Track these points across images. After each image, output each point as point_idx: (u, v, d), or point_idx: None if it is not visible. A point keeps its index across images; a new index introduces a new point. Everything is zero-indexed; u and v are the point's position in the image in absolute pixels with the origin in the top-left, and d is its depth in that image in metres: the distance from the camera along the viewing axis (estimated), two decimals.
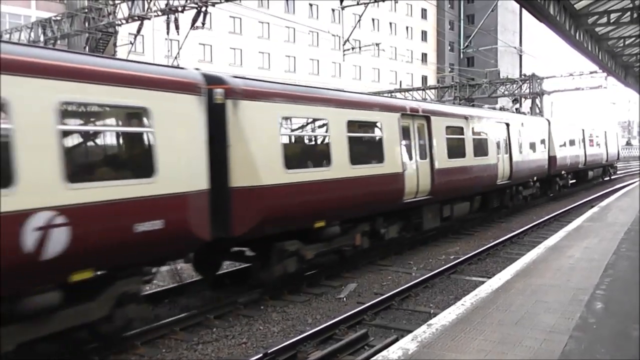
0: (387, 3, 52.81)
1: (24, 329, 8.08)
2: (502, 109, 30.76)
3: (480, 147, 21.33)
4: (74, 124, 8.51)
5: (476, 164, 20.77)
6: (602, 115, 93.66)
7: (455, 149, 19.30)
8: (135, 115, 9.28)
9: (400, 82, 71.93)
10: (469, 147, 20.36)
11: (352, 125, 14.18)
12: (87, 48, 33.27)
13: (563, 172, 33.51)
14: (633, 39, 24.70)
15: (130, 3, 31.42)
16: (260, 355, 9.04)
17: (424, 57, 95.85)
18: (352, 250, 15.28)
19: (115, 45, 35.26)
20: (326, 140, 13.39)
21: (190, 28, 29.42)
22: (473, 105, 28.48)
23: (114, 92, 8.69)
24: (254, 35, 68.05)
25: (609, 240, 14.48)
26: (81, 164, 8.47)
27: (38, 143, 7.60)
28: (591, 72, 47.05)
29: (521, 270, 11.32)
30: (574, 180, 38.09)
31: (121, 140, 9.24)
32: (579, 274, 10.82)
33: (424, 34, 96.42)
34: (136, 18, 31.46)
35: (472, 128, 20.98)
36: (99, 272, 8.88)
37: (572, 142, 34.99)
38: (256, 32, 68.28)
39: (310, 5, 75.09)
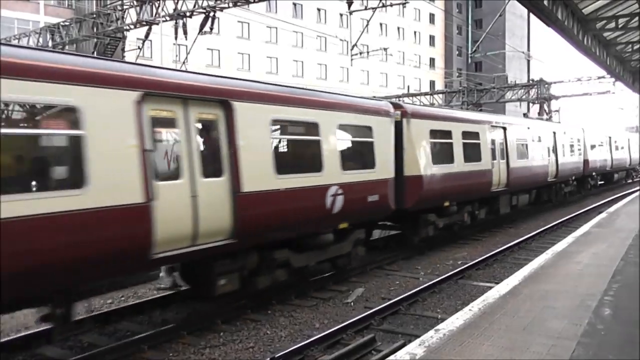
0: (395, 8, 52.88)
1: (313, 254, 13.53)
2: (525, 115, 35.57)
3: (538, 152, 26.67)
4: (347, 137, 14.27)
5: (535, 164, 26.17)
6: (609, 120, 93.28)
7: (521, 152, 24.58)
8: (367, 130, 14.89)
9: (408, 86, 71.82)
10: (532, 151, 25.82)
11: (467, 135, 20.15)
12: (95, 53, 33.41)
13: (594, 173, 38.14)
14: None
15: (138, 8, 31.55)
16: (268, 359, 9.05)
17: (432, 61, 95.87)
18: (460, 225, 20.59)
19: (123, 50, 35.41)
20: (454, 145, 19.28)
21: (199, 33, 29.50)
22: (480, 110, 31.35)
23: (359, 118, 14.63)
24: (262, 39, 68.22)
25: (617, 246, 14.44)
26: (351, 161, 14.04)
27: (331, 148, 13.29)
28: (599, 77, 46.89)
29: (529, 276, 11.30)
30: (602, 182, 42.80)
31: (364, 147, 14.83)
32: (587, 280, 10.78)
33: (432, 39, 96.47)
34: (144, 23, 31.59)
35: (533, 137, 26.55)
36: (347, 225, 14.03)
37: (600, 147, 39.46)
38: (264, 36, 68.45)
39: (318, 10, 75.19)
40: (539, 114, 48.76)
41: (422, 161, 17.22)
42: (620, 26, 20.43)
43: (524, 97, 50.95)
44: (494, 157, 21.83)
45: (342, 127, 13.82)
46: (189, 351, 10.10)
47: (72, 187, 7.98)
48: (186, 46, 34.03)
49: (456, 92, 54.56)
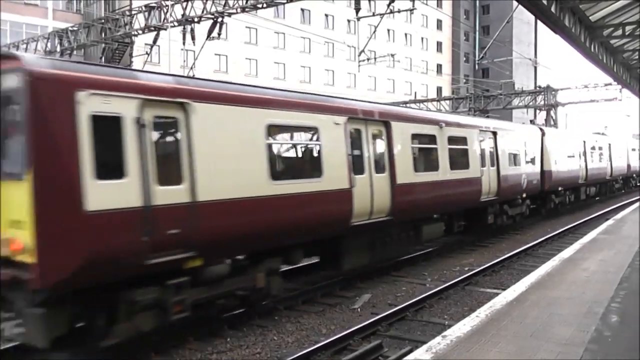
0: (402, 14, 52.89)
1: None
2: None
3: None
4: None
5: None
6: (616, 127, 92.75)
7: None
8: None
9: (415, 93, 71.93)
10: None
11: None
12: (103, 59, 33.57)
13: (620, 176, 43.54)
14: None
15: (146, 14, 31.72)
16: None
17: (439, 68, 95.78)
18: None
19: (131, 55, 35.60)
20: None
21: (207, 39, 29.65)
22: (487, 116, 32.71)
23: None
24: (270, 45, 68.31)
25: (625, 253, 14.45)
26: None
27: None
28: (606, 85, 46.76)
29: (536, 282, 11.31)
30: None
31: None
32: (594, 287, 10.79)
33: (439, 45, 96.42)
34: (152, 28, 31.77)
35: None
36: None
37: (621, 154, 44.18)
38: (272, 42, 68.53)
39: (326, 15, 75.25)
40: (546, 120, 48.70)
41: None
42: (627, 33, 20.42)
43: (530, 103, 51.02)
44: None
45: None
46: (196, 356, 10.14)
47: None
48: (194, 52, 34.22)
49: (463, 98, 54.64)
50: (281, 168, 12.13)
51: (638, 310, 9.15)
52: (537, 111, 53.61)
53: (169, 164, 9.63)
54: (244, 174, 10.86)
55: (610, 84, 45.45)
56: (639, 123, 68.60)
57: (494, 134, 22.22)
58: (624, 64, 26.67)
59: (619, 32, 20.42)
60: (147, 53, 33.86)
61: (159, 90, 9.65)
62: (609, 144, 40.87)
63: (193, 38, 29.67)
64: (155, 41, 32.88)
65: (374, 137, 14.81)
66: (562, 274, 12.15)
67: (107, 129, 8.74)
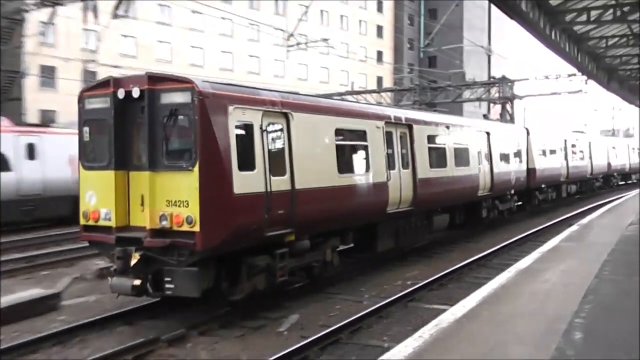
0: None
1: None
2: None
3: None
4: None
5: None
6: (582, 122, 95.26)
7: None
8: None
9: (352, 83, 72.15)
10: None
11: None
12: None
13: (601, 175, 49.78)
14: (617, 39, 24.98)
15: None
16: None
17: (380, 55, 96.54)
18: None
19: (22, 35, 34.58)
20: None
21: (112, 17, 28.97)
22: (433, 111, 36.49)
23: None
24: (186, 26, 67.43)
25: (590, 262, 14.59)
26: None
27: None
28: (569, 75, 47.27)
29: (489, 297, 11.31)
30: (622, 182, 58.71)
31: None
32: (556, 300, 10.84)
33: (379, 30, 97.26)
34: (48, 3, 30.88)
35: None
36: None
37: (601, 152, 49.91)
38: (188, 23, 67.67)
39: None
40: (501, 115, 49.41)
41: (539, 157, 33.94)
42: (592, 19, 20.67)
43: (484, 96, 51.71)
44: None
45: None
46: None
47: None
48: (97, 32, 33.48)
49: (407, 90, 54.98)
50: (344, 164, 16.42)
51: (607, 325, 9.22)
52: (492, 105, 54.34)
53: (277, 160, 13.89)
54: (324, 168, 15.49)
55: (574, 75, 45.70)
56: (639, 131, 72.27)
57: (488, 134, 27.14)
58: (590, 52, 27.18)
59: (584, 17, 20.68)
60: (41, 33, 32.98)
61: (273, 103, 14.01)
62: (589, 142, 46.48)
63: (95, 16, 29.00)
64: (51, 19, 32.03)
65: (401, 138, 19.44)
66: (519, 286, 12.19)
67: (245, 134, 13.03)
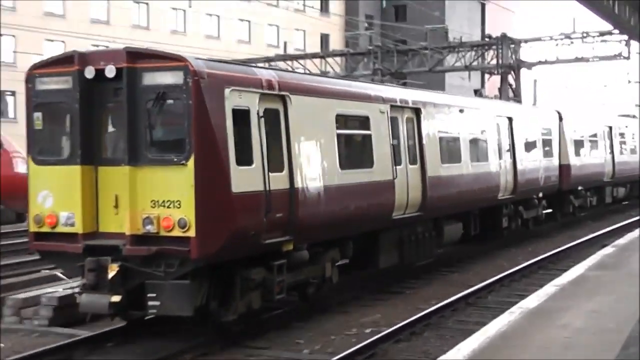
0: None
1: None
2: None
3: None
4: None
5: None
6: (614, 97, 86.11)
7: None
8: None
9: (285, 43, 57.95)
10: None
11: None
12: None
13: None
14: None
15: None
16: None
17: (325, 4, 77.06)
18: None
19: None
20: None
21: None
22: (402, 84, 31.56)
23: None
24: None
25: (631, 299, 12.41)
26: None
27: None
28: (601, 34, 38.63)
29: (481, 350, 9.31)
30: None
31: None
32: (581, 355, 8.98)
33: None
34: None
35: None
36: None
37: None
38: None
39: None
40: (500, 90, 38.99)
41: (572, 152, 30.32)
42: None
43: (475, 63, 42.51)
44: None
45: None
46: None
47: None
48: None
49: (364, 54, 45.60)
50: (345, 157, 15.30)
51: None
52: (487, 76, 47.07)
53: (275, 153, 12.90)
54: (325, 162, 14.35)
55: (609, 33, 37.67)
56: None
57: (510, 120, 23.75)
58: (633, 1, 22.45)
59: None
60: None
61: (270, 84, 12.97)
62: None
63: None
64: None
65: (407, 125, 17.90)
66: (526, 335, 10.25)
67: (241, 121, 12.08)
